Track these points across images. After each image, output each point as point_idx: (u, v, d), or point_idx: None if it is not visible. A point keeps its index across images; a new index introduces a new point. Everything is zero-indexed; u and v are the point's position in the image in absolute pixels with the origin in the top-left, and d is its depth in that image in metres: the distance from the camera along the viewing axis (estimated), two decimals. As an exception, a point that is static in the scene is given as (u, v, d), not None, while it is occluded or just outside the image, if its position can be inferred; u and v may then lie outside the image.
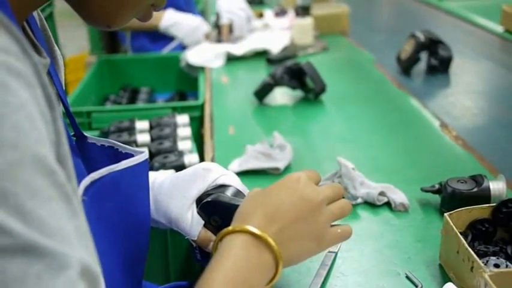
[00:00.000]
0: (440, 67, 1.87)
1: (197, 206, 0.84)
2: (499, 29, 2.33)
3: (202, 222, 0.83)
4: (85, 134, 0.78)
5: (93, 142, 0.79)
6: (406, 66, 1.89)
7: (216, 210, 0.81)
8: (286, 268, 0.72)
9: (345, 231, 0.76)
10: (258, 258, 0.64)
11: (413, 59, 1.88)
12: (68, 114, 0.76)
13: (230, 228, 0.67)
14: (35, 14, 0.74)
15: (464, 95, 1.75)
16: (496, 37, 2.26)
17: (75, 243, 0.43)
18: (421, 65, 1.91)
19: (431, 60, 1.89)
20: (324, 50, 2.23)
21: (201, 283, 0.60)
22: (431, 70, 1.89)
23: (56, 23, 2.16)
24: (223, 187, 0.85)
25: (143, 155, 0.74)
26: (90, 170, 0.66)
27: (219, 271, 0.61)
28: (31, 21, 0.69)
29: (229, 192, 0.83)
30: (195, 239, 0.83)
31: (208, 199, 0.82)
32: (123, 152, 0.77)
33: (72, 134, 0.78)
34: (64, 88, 0.82)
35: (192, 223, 0.83)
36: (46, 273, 0.41)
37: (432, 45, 1.87)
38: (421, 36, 1.86)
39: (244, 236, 0.65)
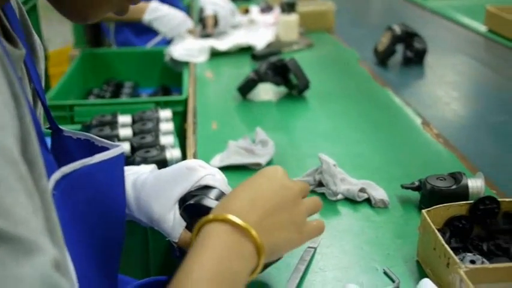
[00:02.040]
0: (415, 59, 1.94)
1: (180, 207, 0.83)
2: (483, 28, 2.35)
3: (184, 223, 0.83)
4: (61, 127, 0.78)
5: (69, 135, 0.78)
6: (383, 58, 1.96)
7: (199, 213, 0.80)
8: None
9: (321, 224, 0.76)
10: (239, 248, 0.63)
11: (390, 51, 1.94)
12: (44, 106, 0.75)
13: (210, 216, 0.65)
14: (14, 4, 0.73)
15: (437, 85, 1.82)
16: (480, 36, 2.28)
17: (42, 236, 0.43)
18: (397, 57, 1.98)
19: (406, 52, 1.96)
20: (309, 47, 2.23)
21: (181, 274, 0.59)
22: (407, 62, 1.96)
23: (40, 15, 2.14)
24: (207, 188, 0.84)
25: (118, 149, 0.73)
26: (65, 164, 0.65)
27: (199, 261, 0.60)
28: (8, 11, 0.68)
29: (212, 195, 0.83)
30: (176, 240, 0.83)
31: (191, 202, 0.81)
32: (99, 145, 0.76)
33: (48, 127, 0.77)
34: (43, 80, 0.81)
35: (173, 224, 0.82)
36: (10, 258, 0.39)
37: (408, 37, 1.94)
38: (397, 29, 1.92)
39: (225, 225, 0.64)
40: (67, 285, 0.43)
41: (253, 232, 0.64)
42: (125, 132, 1.38)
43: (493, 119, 1.52)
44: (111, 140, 1.28)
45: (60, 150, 0.79)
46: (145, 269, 1.25)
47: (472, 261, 0.78)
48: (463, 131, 1.48)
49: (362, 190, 1.06)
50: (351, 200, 1.06)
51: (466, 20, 2.48)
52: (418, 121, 1.45)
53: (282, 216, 0.69)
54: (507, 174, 1.19)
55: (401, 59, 1.98)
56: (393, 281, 0.84)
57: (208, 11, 2.28)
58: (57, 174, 0.62)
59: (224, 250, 0.62)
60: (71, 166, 0.65)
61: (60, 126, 0.80)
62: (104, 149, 0.75)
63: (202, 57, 2.08)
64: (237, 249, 0.63)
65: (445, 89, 1.76)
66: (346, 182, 1.08)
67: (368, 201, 1.06)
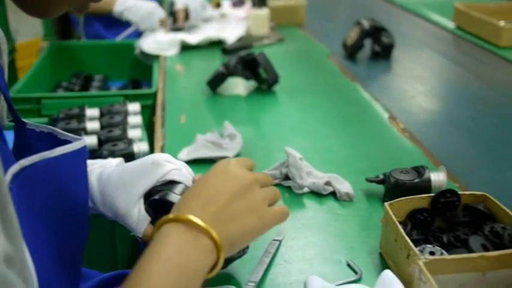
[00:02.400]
0: (383, 53, 1.98)
1: (145, 202, 0.83)
2: (451, 25, 2.39)
3: (149, 218, 0.82)
4: (24, 120, 0.77)
5: (32, 128, 0.77)
6: (351, 52, 1.99)
7: (163, 208, 0.80)
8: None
9: (285, 210, 0.76)
10: (197, 244, 0.64)
11: (358, 45, 1.98)
12: (6, 99, 0.74)
13: (170, 216, 0.66)
14: None
15: (403, 79, 1.86)
16: (448, 33, 2.32)
17: None
18: (366, 51, 2.02)
19: (374, 46, 2.00)
20: (280, 42, 2.24)
21: (138, 270, 0.59)
22: (375, 56, 2.00)
23: (8, 7, 2.11)
24: (172, 184, 0.84)
25: (80, 142, 0.72)
26: (27, 157, 0.64)
27: (157, 260, 0.60)
28: None
29: (178, 190, 0.82)
30: (141, 235, 0.83)
31: (156, 197, 0.81)
32: (62, 138, 0.75)
33: (10, 120, 0.77)
34: (7, 72, 0.80)
35: (138, 219, 0.82)
36: None
37: (376, 32, 1.97)
38: (366, 24, 1.95)
39: (178, 224, 0.65)
40: (18, 281, 0.42)
41: (212, 231, 0.64)
42: (93, 125, 1.37)
43: (459, 114, 1.54)
44: (78, 134, 1.28)
45: (23, 143, 0.78)
46: (113, 263, 1.24)
47: (432, 253, 0.80)
48: (429, 125, 1.50)
49: (328, 183, 1.07)
50: (316, 193, 1.08)
51: (435, 17, 2.52)
52: (385, 116, 1.47)
53: (238, 205, 0.69)
54: (470, 169, 1.21)
55: (369, 53, 2.02)
56: (356, 273, 0.85)
57: (179, 5, 2.28)
58: (15, 167, 0.61)
59: (182, 247, 0.63)
60: (30, 159, 0.64)
61: (24, 120, 0.79)
62: (67, 142, 0.74)
63: (172, 51, 2.08)
64: (194, 245, 0.64)
65: (411, 83, 1.79)
66: (312, 176, 1.09)
67: (333, 194, 1.07)
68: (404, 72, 1.93)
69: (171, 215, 0.66)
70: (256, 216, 0.71)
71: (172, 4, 2.33)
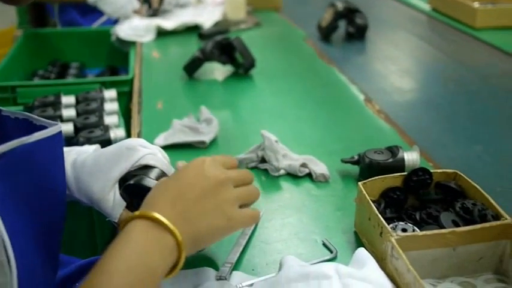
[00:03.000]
0: (357, 34, 2.02)
1: (120, 187, 0.83)
2: (427, 7, 2.41)
3: (124, 203, 0.83)
4: None
5: (7, 115, 0.77)
6: (326, 34, 2.03)
7: (139, 193, 0.80)
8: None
9: (255, 213, 0.77)
10: (158, 242, 0.64)
11: (332, 27, 2.02)
12: None
13: (136, 213, 0.66)
14: None
15: (377, 60, 1.90)
16: (423, 15, 2.34)
17: None
18: (340, 32, 2.06)
19: (348, 28, 2.04)
20: (257, 26, 2.24)
21: (100, 271, 0.60)
22: (349, 37, 2.05)
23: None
24: (147, 168, 0.84)
25: (56, 127, 0.72)
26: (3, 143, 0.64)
27: (118, 257, 0.61)
28: None
29: (153, 175, 0.83)
30: (116, 220, 0.83)
31: (131, 182, 0.81)
32: (38, 124, 0.75)
33: None
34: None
35: (113, 205, 0.82)
36: None
37: (350, 13, 2.02)
38: (340, 5, 1.99)
39: (144, 221, 0.65)
40: None
41: (176, 231, 0.65)
42: (69, 112, 1.36)
43: (433, 94, 1.56)
44: (54, 121, 1.27)
45: (0, 130, 0.78)
46: (92, 249, 1.25)
47: (404, 230, 0.81)
48: (402, 104, 1.52)
49: (303, 165, 1.08)
50: (292, 175, 1.09)
51: (411, 0, 2.54)
52: (361, 98, 1.49)
53: (206, 204, 0.70)
54: (443, 148, 1.23)
55: (343, 35, 2.06)
56: (331, 252, 0.87)
57: None
58: None
59: (145, 246, 0.63)
60: (8, 145, 0.64)
61: None
62: (43, 127, 0.74)
63: (148, 37, 2.07)
64: (155, 242, 0.64)
65: (385, 63, 1.82)
66: (288, 158, 1.10)
67: (309, 176, 1.08)
68: (378, 53, 1.96)
69: (137, 212, 0.66)
70: (224, 217, 0.71)
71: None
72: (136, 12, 2.30)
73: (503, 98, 1.51)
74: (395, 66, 1.79)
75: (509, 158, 1.18)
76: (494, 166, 1.15)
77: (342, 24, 2.05)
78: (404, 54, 1.95)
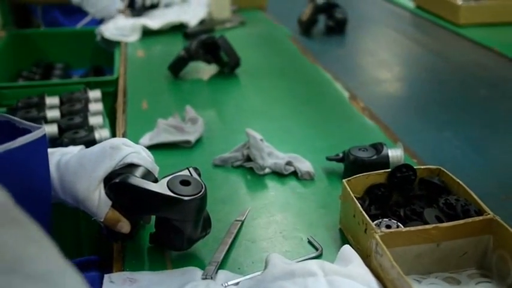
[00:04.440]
0: (337, 28, 2.10)
1: (105, 186, 0.83)
2: (411, 5, 2.43)
3: (110, 202, 0.82)
4: None
5: None
6: (306, 27, 2.10)
7: (124, 191, 0.81)
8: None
9: None
10: None
11: (312, 21, 2.10)
12: None
13: None
14: None
15: (355, 53, 2.00)
16: (407, 12, 2.36)
17: None
18: (321, 27, 2.13)
19: (328, 22, 2.12)
20: (242, 25, 2.24)
21: None
22: (329, 31, 2.12)
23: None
24: (132, 166, 0.84)
25: (40, 130, 0.72)
26: None
27: None
28: None
29: (138, 173, 0.83)
30: (102, 220, 0.83)
31: (116, 180, 0.81)
32: (20, 127, 0.75)
33: None
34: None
35: (98, 204, 0.82)
36: None
37: (329, 8, 2.10)
38: (320, 0, 2.08)
39: None
40: None
41: None
42: (53, 114, 1.35)
43: (418, 91, 1.58)
44: (38, 122, 1.26)
45: None
46: (78, 249, 1.24)
47: (388, 226, 0.82)
48: (388, 102, 1.54)
49: (289, 163, 1.09)
50: (278, 174, 1.09)
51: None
52: (345, 95, 1.49)
53: None
54: (426, 144, 1.24)
55: (323, 28, 2.13)
56: (316, 249, 0.87)
57: None
58: None
59: None
60: None
61: None
62: (25, 131, 0.74)
63: (134, 36, 2.06)
64: None
65: (364, 56, 1.88)
66: (273, 156, 1.10)
67: (295, 174, 1.09)
68: (357, 46, 2.04)
69: None
70: None
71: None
72: (121, 11, 2.29)
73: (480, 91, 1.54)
74: (373, 58, 1.85)
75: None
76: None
77: (322, 19, 2.13)
78: (382, 48, 2.00)
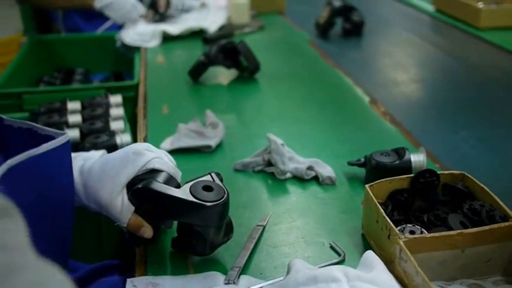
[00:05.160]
0: (354, 31, 2.13)
1: (128, 191, 0.83)
2: (431, 8, 2.41)
3: (133, 208, 0.83)
4: (1, 116, 0.76)
5: (9, 124, 0.77)
6: (323, 30, 2.13)
7: (147, 196, 0.81)
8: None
9: None
10: None
11: (329, 24, 2.13)
12: None
13: None
14: None
15: (372, 55, 2.01)
16: (427, 15, 2.35)
17: None
18: (338, 29, 2.15)
19: (345, 24, 2.14)
20: (261, 29, 2.24)
21: None
22: (346, 33, 2.14)
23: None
24: (155, 172, 0.84)
25: (64, 137, 0.72)
26: (8, 155, 0.64)
27: None
28: None
29: (160, 178, 0.83)
30: (125, 225, 0.83)
31: (139, 186, 0.81)
32: (43, 133, 0.75)
33: None
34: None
35: (121, 209, 0.82)
36: None
37: (346, 11, 2.13)
38: (336, 3, 2.10)
39: None
40: None
41: None
42: (74, 118, 1.37)
43: (436, 93, 1.58)
44: (60, 127, 1.28)
45: (2, 140, 0.78)
46: (99, 254, 1.25)
47: (412, 232, 0.81)
48: (404, 103, 1.54)
49: (310, 168, 1.08)
50: (299, 178, 1.08)
51: (415, 1, 2.54)
52: (366, 99, 1.48)
53: None
54: (449, 148, 1.23)
55: (340, 31, 2.16)
56: (339, 254, 0.86)
57: None
58: (3, 167, 0.60)
59: None
60: (17, 158, 0.63)
61: (1, 115, 0.78)
62: (48, 137, 0.74)
63: (154, 42, 2.07)
64: None
65: (382, 59, 1.89)
66: (294, 161, 1.10)
67: (316, 178, 1.08)
68: (375, 48, 2.05)
69: None
70: None
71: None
72: (143, 17, 2.30)
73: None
74: (390, 59, 1.86)
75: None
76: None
77: (339, 22, 2.15)
78: (400, 50, 2.01)
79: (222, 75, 1.70)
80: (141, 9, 2.35)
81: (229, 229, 0.86)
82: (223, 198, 0.79)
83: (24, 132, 0.76)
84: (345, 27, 2.13)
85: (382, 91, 1.57)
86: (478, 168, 1.12)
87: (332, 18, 2.11)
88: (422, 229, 0.82)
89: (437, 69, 1.80)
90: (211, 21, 2.22)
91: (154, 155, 0.86)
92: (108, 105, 1.45)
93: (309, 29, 2.19)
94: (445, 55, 1.89)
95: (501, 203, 0.82)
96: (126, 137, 1.26)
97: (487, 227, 0.77)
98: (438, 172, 0.91)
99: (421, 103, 1.55)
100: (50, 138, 0.73)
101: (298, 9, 2.58)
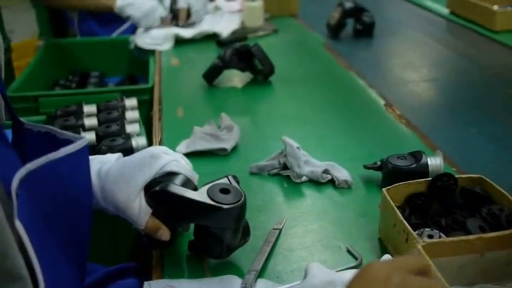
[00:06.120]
0: (365, 31, 2.13)
1: (145, 194, 0.84)
2: (445, 11, 2.40)
3: (150, 210, 0.83)
4: (22, 119, 0.77)
5: (29, 128, 0.77)
6: (334, 31, 2.14)
7: (164, 199, 0.81)
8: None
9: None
10: None
11: (340, 24, 2.13)
12: (3, 97, 0.74)
13: None
14: None
15: (382, 54, 2.02)
16: (441, 18, 2.33)
17: None
18: (349, 30, 2.16)
19: (356, 25, 2.15)
20: (274, 32, 2.24)
21: None
22: (357, 34, 2.15)
23: (2, 6, 2.10)
24: (172, 175, 0.84)
25: (82, 141, 0.72)
26: (26, 158, 0.64)
27: None
28: None
29: (178, 181, 0.83)
30: (142, 228, 0.83)
31: (157, 188, 0.82)
32: (61, 138, 0.75)
33: (8, 119, 0.77)
34: (3, 71, 0.80)
35: (139, 212, 0.83)
36: None
37: (357, 12, 2.13)
38: (347, 4, 2.11)
39: None
40: None
41: None
42: (90, 121, 1.37)
43: (455, 98, 1.56)
44: (76, 130, 1.28)
45: (22, 144, 0.79)
46: (115, 256, 1.25)
47: (430, 236, 0.81)
48: (415, 102, 1.54)
49: (326, 171, 1.08)
50: (315, 182, 1.08)
51: (430, 4, 2.53)
52: (381, 102, 1.48)
53: None
54: (466, 152, 1.22)
55: (352, 32, 2.16)
56: (356, 258, 0.86)
57: (182, 4, 2.26)
58: (22, 172, 0.61)
59: None
60: (36, 162, 0.63)
61: (21, 119, 0.79)
62: (67, 141, 0.74)
63: (166, 45, 2.08)
64: None
65: (392, 59, 1.90)
66: (310, 164, 1.10)
67: (332, 182, 1.08)
68: (385, 49, 2.06)
69: None
70: None
71: (174, 1, 2.31)
72: (163, 21, 2.28)
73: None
74: (401, 60, 1.87)
75: None
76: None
77: (350, 23, 2.16)
78: (412, 51, 2.01)
79: (237, 78, 1.70)
80: (162, 11, 2.34)
81: (246, 232, 0.86)
82: (241, 201, 0.79)
83: (42, 136, 0.77)
84: (356, 27, 2.15)
85: (395, 90, 1.58)
86: (494, 170, 1.10)
87: (343, 19, 2.12)
88: (441, 233, 0.81)
89: (449, 69, 1.79)
90: (225, 25, 2.22)
91: (171, 158, 0.86)
92: (123, 108, 1.46)
93: (321, 29, 2.19)
94: (459, 57, 1.88)
95: (520, 207, 0.81)
96: (142, 140, 1.26)
97: (506, 232, 0.77)
98: (456, 176, 0.90)
99: (434, 103, 1.55)
100: (68, 142, 0.73)
101: (310, 9, 2.58)
